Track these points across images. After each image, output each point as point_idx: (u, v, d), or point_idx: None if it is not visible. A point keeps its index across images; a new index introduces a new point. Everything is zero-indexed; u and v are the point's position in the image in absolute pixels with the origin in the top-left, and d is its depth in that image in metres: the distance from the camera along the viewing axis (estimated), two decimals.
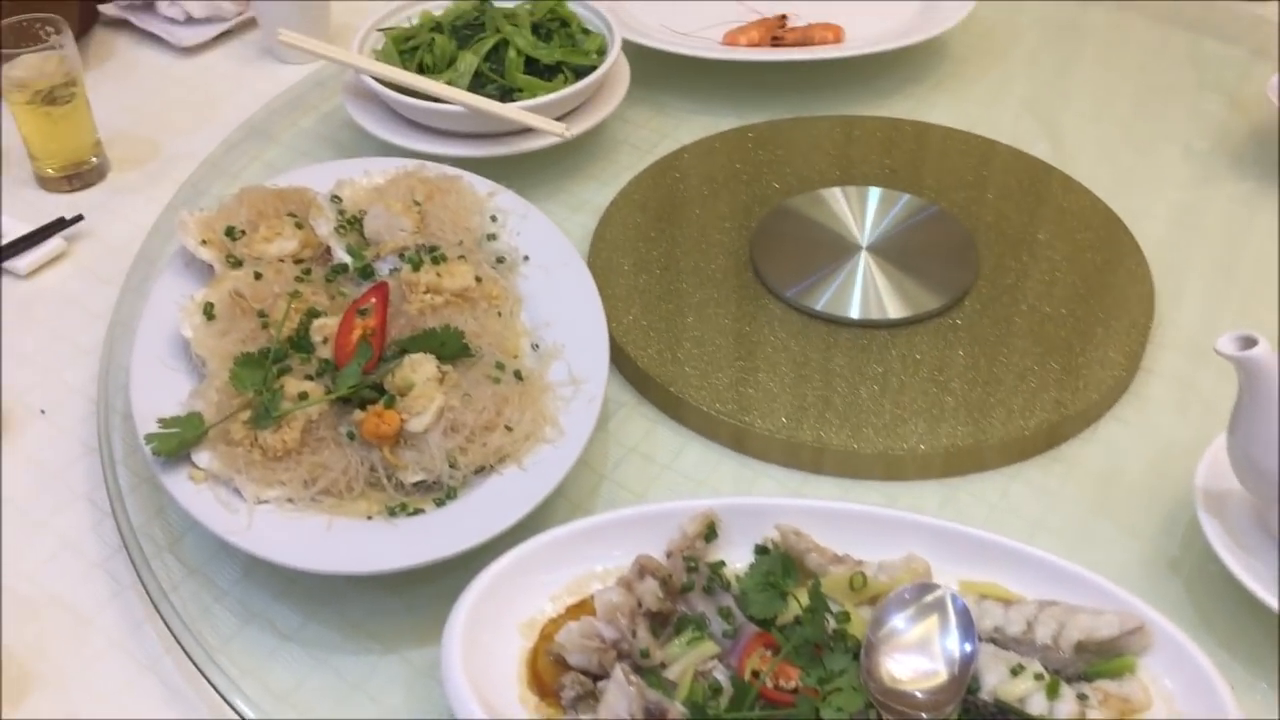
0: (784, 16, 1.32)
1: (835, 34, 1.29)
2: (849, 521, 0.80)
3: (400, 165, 1.07)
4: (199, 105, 1.32)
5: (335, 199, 1.03)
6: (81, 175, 1.19)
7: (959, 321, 0.99)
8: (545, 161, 1.17)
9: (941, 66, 1.35)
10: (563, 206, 1.16)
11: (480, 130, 1.14)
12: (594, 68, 1.18)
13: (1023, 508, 0.89)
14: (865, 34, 1.31)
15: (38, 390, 1.00)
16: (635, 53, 1.26)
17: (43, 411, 0.98)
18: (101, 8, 1.43)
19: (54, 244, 1.11)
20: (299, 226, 1.00)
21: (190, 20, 1.41)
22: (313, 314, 0.92)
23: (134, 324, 0.99)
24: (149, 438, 0.83)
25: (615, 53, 1.18)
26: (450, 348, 0.88)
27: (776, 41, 1.28)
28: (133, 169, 1.22)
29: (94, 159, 1.20)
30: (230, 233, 0.99)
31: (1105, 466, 0.92)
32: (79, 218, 1.13)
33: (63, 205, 1.17)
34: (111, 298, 1.06)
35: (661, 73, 1.30)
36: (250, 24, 1.42)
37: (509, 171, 1.14)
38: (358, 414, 0.85)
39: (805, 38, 1.28)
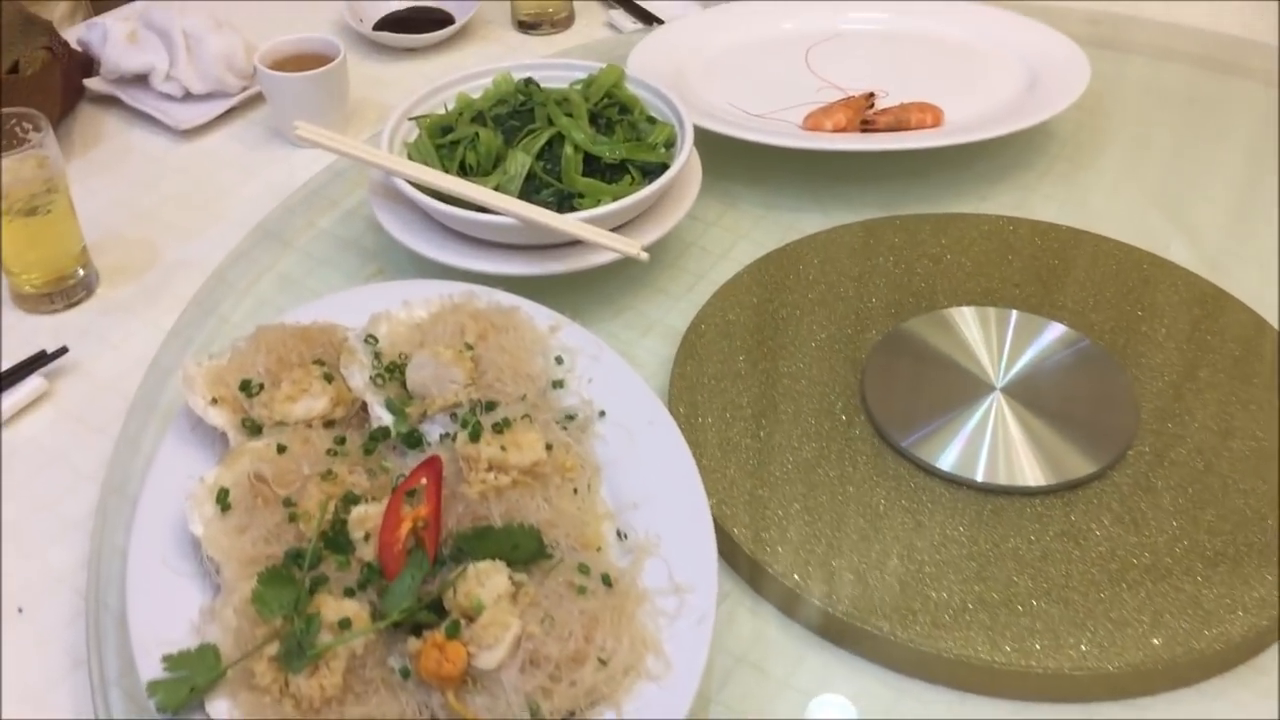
0: (872, 95, 1.16)
1: (934, 116, 1.12)
2: None
3: (444, 294, 0.90)
4: (201, 200, 1.15)
5: (370, 339, 0.86)
6: (66, 292, 1.02)
7: (1121, 489, 0.83)
8: (605, 273, 1.01)
9: (1049, 148, 1.18)
10: (629, 328, 1.00)
11: (533, 242, 0.97)
12: (663, 164, 1.02)
13: None
14: (964, 113, 1.14)
15: (15, 577, 0.82)
16: (702, 137, 1.09)
17: (20, 610, 0.81)
18: (87, 83, 1.26)
19: (33, 384, 0.94)
20: (328, 378, 0.83)
21: (189, 97, 1.24)
22: (350, 500, 0.75)
23: (128, 489, 0.84)
24: (152, 687, 0.66)
25: (687, 148, 1.01)
26: (524, 550, 0.72)
27: (867, 126, 1.11)
28: (126, 282, 1.05)
29: (80, 271, 1.03)
30: (246, 388, 0.82)
31: None
32: (63, 350, 0.96)
33: (44, 330, 1.00)
34: (103, 451, 0.89)
35: (733, 160, 1.13)
36: (257, 100, 1.25)
37: (562, 287, 0.97)
38: (413, 642, 0.68)
39: (900, 121, 1.11)
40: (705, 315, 0.97)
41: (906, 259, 1.02)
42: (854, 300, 0.98)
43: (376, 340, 0.86)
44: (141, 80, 1.24)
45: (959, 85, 1.20)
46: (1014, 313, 0.95)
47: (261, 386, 0.82)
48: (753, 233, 1.09)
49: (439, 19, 1.39)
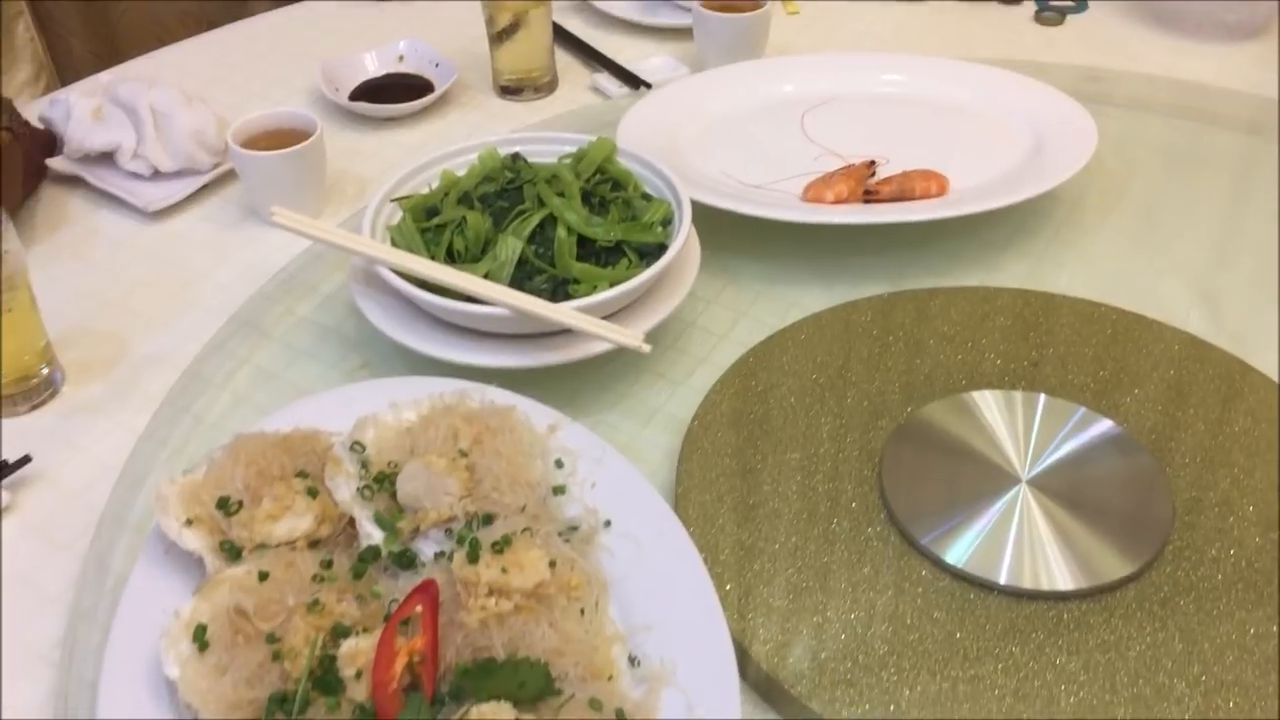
0: (873, 163, 1.11)
1: (939, 185, 1.08)
2: None
3: (434, 393, 0.85)
4: (172, 286, 1.09)
5: (357, 447, 0.80)
6: (29, 393, 0.96)
7: (1161, 591, 0.77)
8: (601, 359, 0.95)
9: (1055, 212, 1.14)
10: (629, 418, 0.94)
11: (527, 331, 0.92)
12: (660, 245, 0.97)
13: None
14: (968, 180, 1.10)
15: None
16: (698, 210, 1.05)
17: None
18: (50, 162, 1.20)
19: None
20: (312, 493, 0.77)
21: (158, 175, 1.18)
22: (340, 632, 0.69)
23: (98, 614, 0.78)
24: None
25: (685, 228, 0.96)
26: (531, 687, 0.66)
27: (870, 196, 1.07)
28: (93, 379, 0.99)
29: (44, 369, 0.97)
30: (224, 506, 0.76)
31: None
32: (26, 459, 0.90)
33: (5, 435, 0.94)
34: (70, 571, 0.83)
35: (731, 232, 1.08)
36: (230, 176, 1.20)
37: (558, 376, 0.92)
38: None
39: (903, 190, 1.07)
40: (709, 405, 0.92)
41: (918, 338, 0.98)
42: (866, 384, 0.94)
43: (364, 448, 0.80)
44: (107, 159, 1.19)
45: (962, 149, 1.16)
46: (1042, 397, 0.90)
47: (241, 504, 0.77)
48: (754, 310, 1.04)
49: (417, 85, 1.34)
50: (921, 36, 1.45)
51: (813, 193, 1.08)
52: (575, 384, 0.96)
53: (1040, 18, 1.47)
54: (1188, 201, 1.17)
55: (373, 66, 1.36)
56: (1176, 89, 1.31)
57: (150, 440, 0.92)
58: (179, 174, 1.18)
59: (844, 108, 1.22)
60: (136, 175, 1.18)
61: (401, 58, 1.37)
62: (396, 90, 1.33)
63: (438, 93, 1.31)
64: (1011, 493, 0.84)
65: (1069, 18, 1.47)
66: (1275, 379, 0.92)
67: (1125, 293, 1.03)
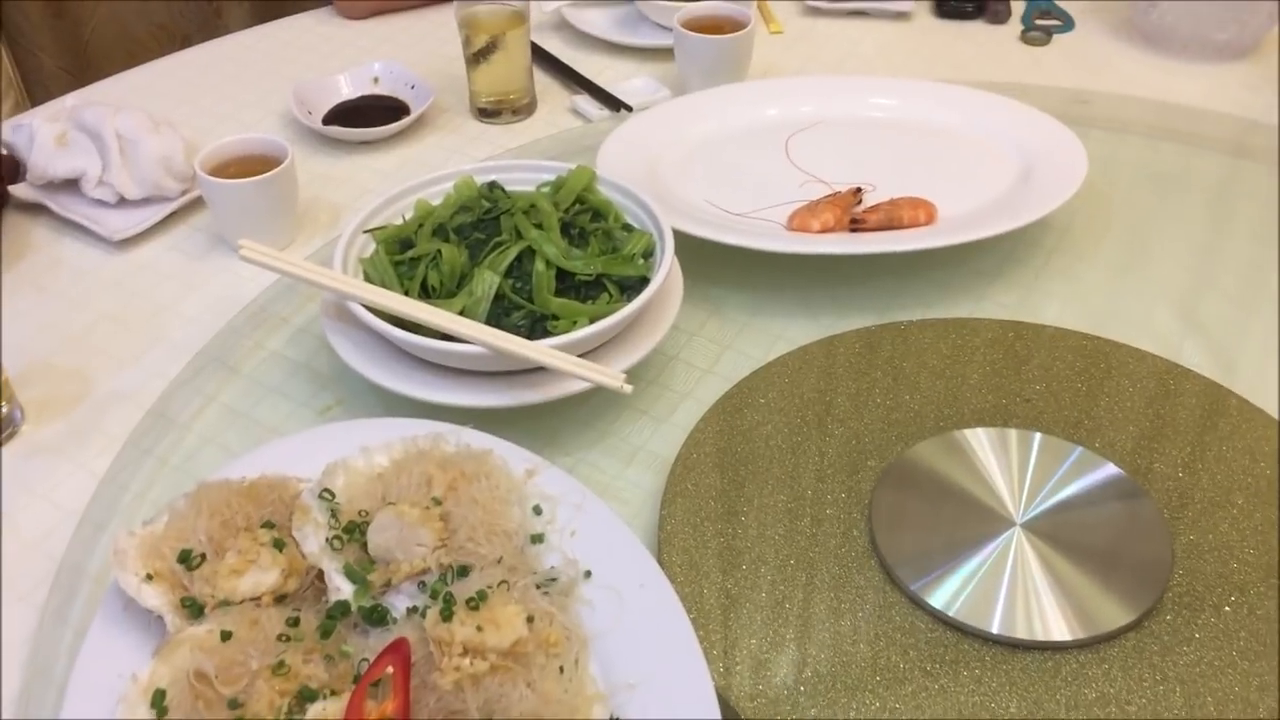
0: (859, 190, 1.09)
1: (927, 213, 1.05)
2: None
3: (407, 435, 0.82)
4: (138, 319, 1.05)
5: (326, 495, 0.77)
6: None
7: (1161, 640, 0.75)
8: (581, 396, 0.92)
9: (1045, 240, 1.11)
10: (609, 457, 0.91)
11: (504, 368, 0.89)
12: (642, 277, 0.94)
13: None
14: (957, 207, 1.07)
15: None
16: (681, 241, 1.02)
17: None
18: (12, 189, 1.16)
19: None
20: (279, 545, 0.74)
21: (123, 203, 1.15)
22: (306, 696, 0.66)
23: (54, 672, 0.74)
24: None
25: (667, 261, 0.93)
26: None
27: (856, 225, 1.04)
28: (54, 418, 0.95)
29: (3, 408, 0.93)
30: (186, 559, 0.73)
31: None
32: None
33: None
34: (27, 624, 0.79)
35: (714, 262, 1.05)
36: (198, 204, 1.16)
37: (536, 413, 0.89)
38: None
39: (891, 219, 1.04)
40: (692, 444, 0.89)
41: (907, 372, 0.95)
42: (853, 421, 0.91)
43: (333, 495, 0.77)
44: (72, 186, 1.15)
45: (950, 175, 1.13)
46: (1037, 436, 0.87)
47: (203, 557, 0.73)
48: (738, 342, 1.02)
49: (393, 108, 1.31)
50: (907, 56, 1.43)
51: (798, 221, 1.05)
52: (555, 421, 0.93)
53: (1026, 37, 1.45)
54: (1179, 227, 1.14)
55: (347, 88, 1.32)
56: (1165, 111, 1.28)
57: (112, 484, 0.89)
58: (146, 201, 1.15)
59: (829, 132, 1.19)
60: (102, 203, 1.15)
61: (376, 79, 1.33)
62: (371, 113, 1.30)
63: (413, 116, 1.28)
64: (1005, 536, 0.81)
65: (1055, 37, 1.45)
66: (1275, 415, 0.90)
67: (1118, 323, 1.01)
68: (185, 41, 2.19)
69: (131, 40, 2.13)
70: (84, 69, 2.08)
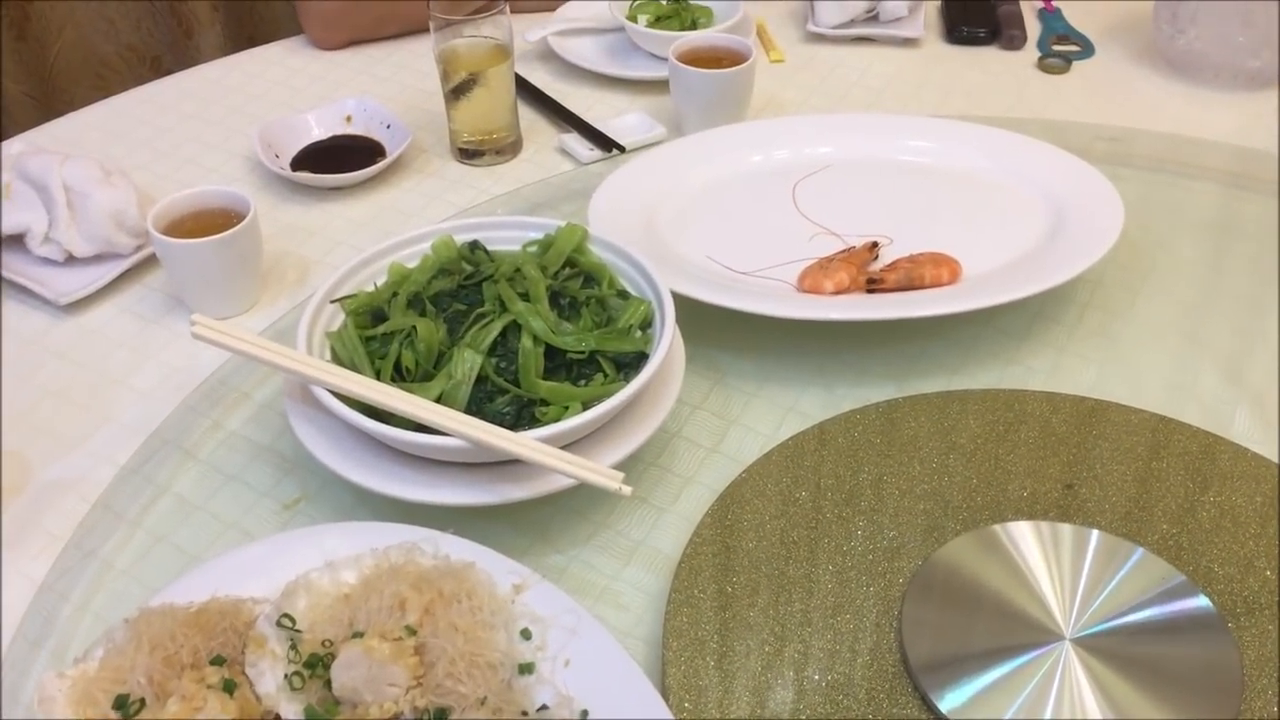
0: (875, 245, 0.99)
1: (950, 271, 0.96)
2: None
3: (378, 545, 0.72)
4: (85, 395, 0.96)
5: (285, 621, 0.67)
6: None
7: None
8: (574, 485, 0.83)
9: (1077, 294, 1.02)
10: (605, 554, 0.82)
11: (486, 460, 0.80)
12: (640, 353, 0.85)
13: None
14: (982, 262, 0.98)
15: None
16: (682, 303, 0.93)
17: None
18: None
19: None
20: (229, 687, 0.64)
21: (71, 261, 1.05)
22: None
23: None
24: None
25: (668, 336, 0.84)
26: None
27: (874, 286, 0.95)
28: None
29: None
30: (123, 706, 0.63)
31: None
32: None
33: None
34: None
35: (718, 325, 0.96)
36: (153, 261, 1.07)
37: (524, 505, 0.80)
38: None
39: (911, 278, 0.95)
40: (697, 542, 0.80)
41: (935, 453, 0.86)
42: (877, 513, 0.82)
43: (293, 622, 0.68)
44: (16, 243, 1.05)
45: (973, 225, 1.04)
46: (1094, 534, 0.78)
47: (142, 702, 0.64)
48: (746, 417, 0.92)
49: (367, 149, 1.22)
50: (917, 87, 1.34)
51: (810, 282, 0.96)
52: (546, 512, 0.84)
53: (1044, 64, 1.36)
54: (1222, 278, 1.05)
55: (317, 129, 1.23)
56: (1201, 150, 1.19)
57: (50, 593, 0.79)
58: (96, 259, 1.05)
59: (840, 176, 1.10)
60: (48, 261, 1.05)
61: (349, 118, 1.24)
62: (344, 155, 1.20)
63: (389, 158, 1.18)
64: (1053, 652, 0.72)
65: (1075, 64, 1.36)
66: None
67: (1160, 390, 0.92)
68: (155, 63, 2.10)
69: (99, 62, 2.04)
70: (50, 94, 1.98)
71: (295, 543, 0.75)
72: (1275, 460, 0.84)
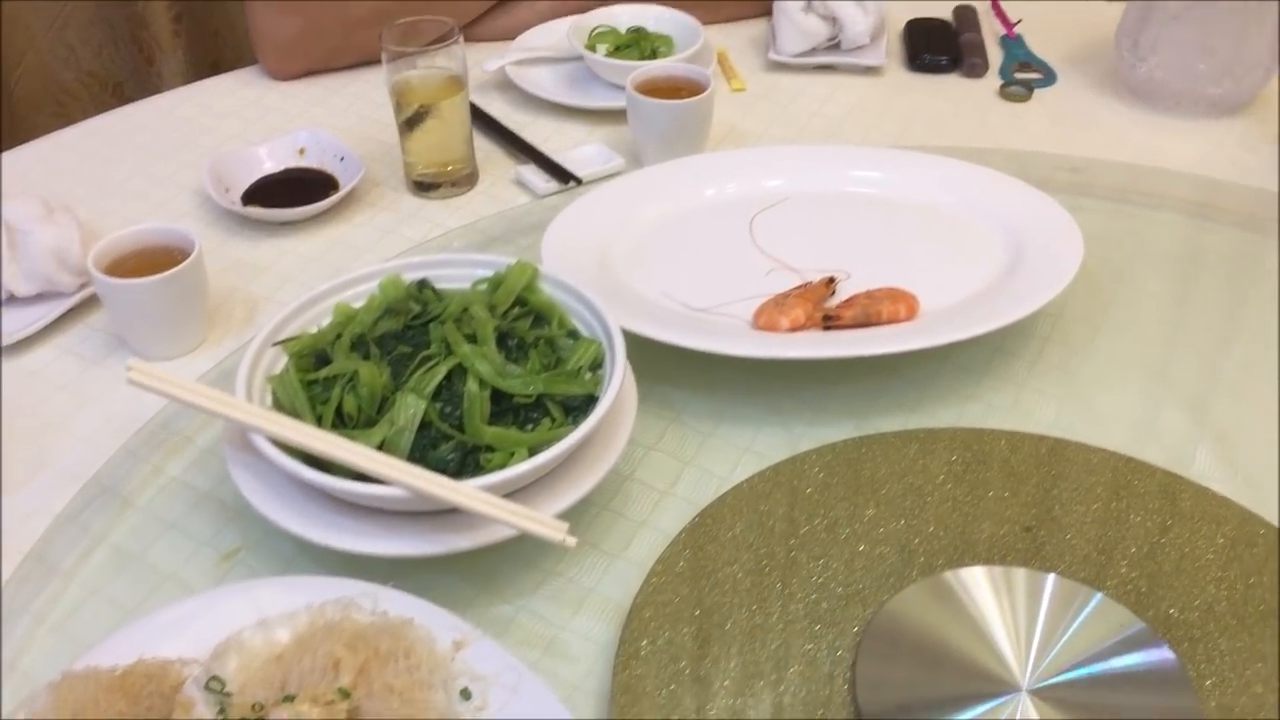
0: (833, 280, 0.98)
1: (908, 307, 0.94)
2: None
3: (313, 602, 0.70)
4: (22, 440, 0.93)
5: (214, 684, 0.65)
6: None
7: None
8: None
9: (1037, 328, 1.01)
10: (554, 603, 0.80)
11: (429, 509, 0.77)
12: (589, 396, 0.83)
13: None
14: (940, 296, 0.97)
15: None
16: (637, 341, 0.91)
17: None
18: None
19: None
20: None
21: (12, 300, 1.02)
22: None
23: None
24: None
25: (618, 378, 0.82)
26: None
27: (830, 323, 0.93)
28: None
29: None
30: None
31: None
32: None
33: None
34: None
35: (673, 363, 0.94)
36: (96, 301, 1.04)
37: (468, 555, 0.77)
38: None
39: (869, 314, 0.93)
40: (649, 590, 0.78)
41: (892, 496, 0.84)
42: (833, 558, 0.80)
43: (223, 685, 0.65)
44: None
45: (931, 258, 1.03)
46: (1050, 578, 0.76)
47: None
48: (700, 457, 0.90)
49: (320, 182, 1.19)
50: (879, 115, 1.33)
51: (765, 319, 0.94)
52: (494, 560, 0.82)
53: (1005, 92, 1.35)
54: (1181, 308, 1.04)
55: (269, 161, 1.20)
56: (1163, 179, 1.18)
57: None
58: (38, 298, 1.03)
59: (798, 209, 1.08)
60: None
61: (302, 150, 1.22)
62: (296, 189, 1.18)
63: (342, 192, 1.16)
64: (1009, 703, 0.70)
65: (1037, 91, 1.35)
66: None
67: (1120, 429, 0.91)
68: (117, 90, 2.07)
69: (60, 89, 2.01)
70: (11, 123, 1.95)
71: (230, 598, 0.72)
72: (1237, 501, 0.83)
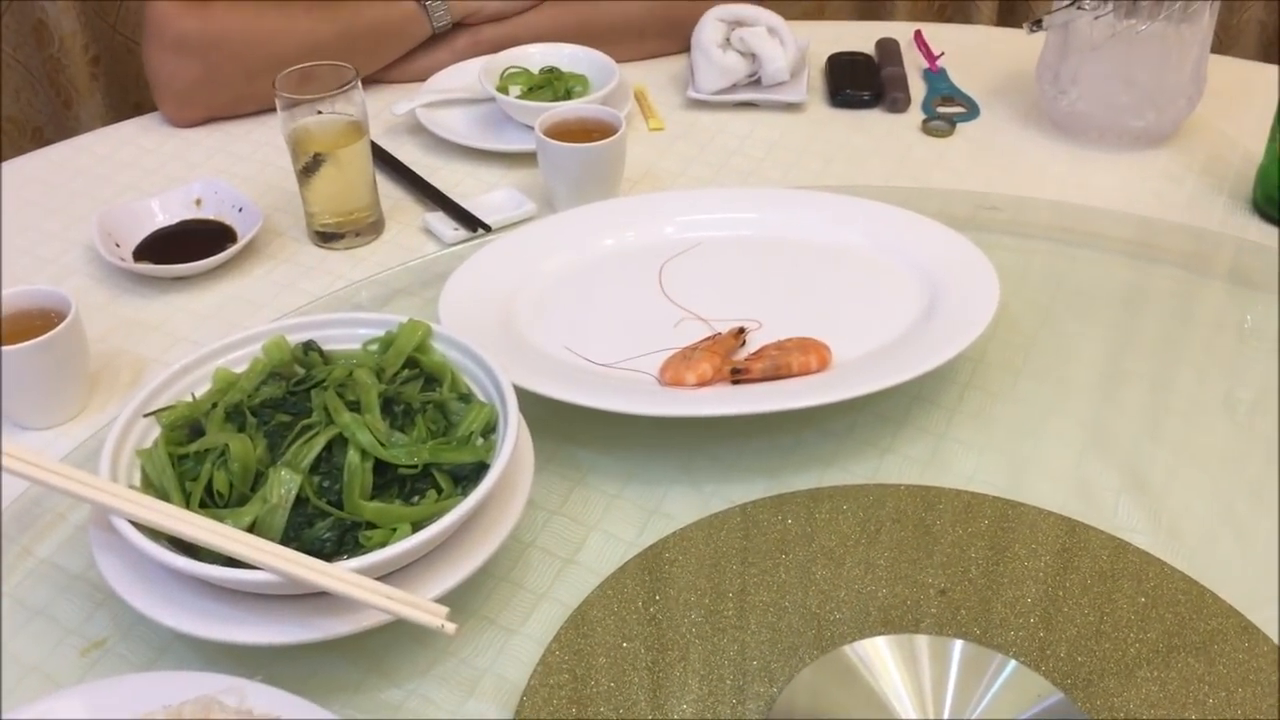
0: (742, 331, 0.94)
1: (820, 358, 0.91)
2: None
3: (171, 703, 0.65)
4: None
5: None
6: None
7: None
8: None
9: (956, 374, 0.97)
10: (445, 686, 0.75)
11: (306, 592, 0.72)
12: (481, 463, 0.78)
13: None
14: (853, 345, 0.93)
15: None
16: (535, 400, 0.87)
17: None
18: None
19: None
20: None
21: None
22: None
23: None
24: None
25: (510, 441, 0.77)
26: None
27: (739, 376, 0.90)
28: None
29: None
30: None
31: None
32: None
33: None
34: None
35: (577, 422, 0.90)
36: None
37: (354, 636, 0.73)
38: None
39: (778, 367, 0.90)
40: (544, 669, 0.73)
41: (803, 559, 0.80)
42: (741, 631, 0.75)
43: None
44: None
45: (845, 305, 0.99)
46: (957, 644, 0.72)
47: None
48: (606, 521, 0.86)
49: (217, 233, 1.14)
50: (800, 152, 1.29)
51: (671, 374, 0.90)
52: (383, 640, 0.77)
53: (928, 127, 1.32)
54: (1104, 350, 1.01)
55: (161, 214, 1.15)
56: (1086, 216, 1.15)
57: None
58: None
59: (709, 255, 1.05)
60: None
61: (199, 201, 1.16)
62: (191, 242, 1.12)
63: (239, 245, 1.11)
64: None
65: (959, 125, 1.33)
66: (1232, 602, 0.76)
67: (1041, 480, 0.87)
68: (36, 135, 2.02)
69: None
70: None
71: (82, 698, 0.67)
72: (1159, 555, 0.79)
